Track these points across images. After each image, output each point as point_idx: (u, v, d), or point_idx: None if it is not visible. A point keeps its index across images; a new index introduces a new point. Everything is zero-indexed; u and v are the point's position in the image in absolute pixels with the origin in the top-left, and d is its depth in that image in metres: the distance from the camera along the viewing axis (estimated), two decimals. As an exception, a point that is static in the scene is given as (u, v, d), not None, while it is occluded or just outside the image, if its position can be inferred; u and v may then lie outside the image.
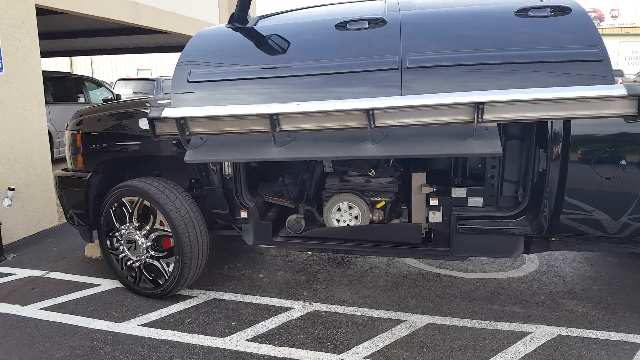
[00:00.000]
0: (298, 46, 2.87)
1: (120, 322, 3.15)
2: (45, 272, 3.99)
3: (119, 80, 14.12)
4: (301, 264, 4.11)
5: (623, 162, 2.76)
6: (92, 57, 29.45)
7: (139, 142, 3.41)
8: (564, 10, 2.67)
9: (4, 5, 4.48)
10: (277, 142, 2.58)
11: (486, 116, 2.35)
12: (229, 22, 3.14)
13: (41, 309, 3.34)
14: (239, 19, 3.06)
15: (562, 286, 3.65)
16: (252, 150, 2.64)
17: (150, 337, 2.95)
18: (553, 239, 3.13)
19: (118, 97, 10.22)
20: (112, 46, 11.62)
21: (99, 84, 10.06)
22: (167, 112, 2.66)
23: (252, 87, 2.80)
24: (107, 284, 3.72)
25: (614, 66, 35.48)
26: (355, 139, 2.51)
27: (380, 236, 3.22)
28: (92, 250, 4.28)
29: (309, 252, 4.35)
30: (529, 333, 2.97)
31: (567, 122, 2.73)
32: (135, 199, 3.35)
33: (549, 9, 2.67)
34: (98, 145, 3.50)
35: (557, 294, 3.51)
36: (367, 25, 2.81)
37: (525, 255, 4.23)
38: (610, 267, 4.04)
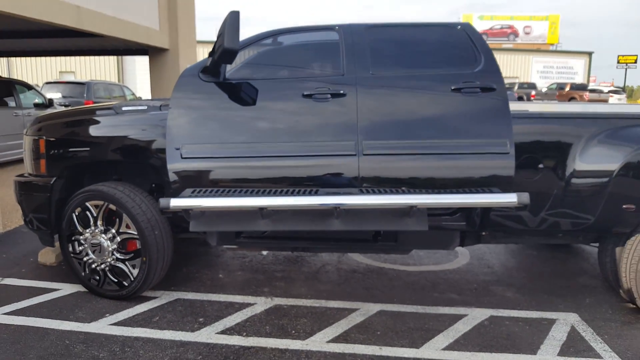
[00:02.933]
0: (271, 119, 3.21)
1: (89, 322, 3.24)
2: (-2, 279, 3.94)
3: (47, 83, 13.51)
4: (258, 264, 4.36)
5: (541, 165, 3.31)
6: (10, 58, 27.53)
7: (104, 148, 3.52)
8: (489, 89, 3.17)
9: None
10: (263, 217, 3.08)
11: (419, 206, 2.98)
12: (204, 71, 3.32)
13: (4, 314, 3.34)
14: (212, 72, 3.30)
15: (491, 275, 4.18)
16: (244, 222, 3.13)
17: (122, 335, 3.08)
18: (483, 233, 3.63)
19: (50, 101, 9.85)
20: (42, 48, 11.14)
21: (29, 87, 9.65)
22: (174, 203, 3.02)
23: (239, 163, 3.17)
24: (67, 288, 3.76)
25: (528, 79, 38.80)
26: (324, 215, 3.08)
27: (338, 234, 3.56)
28: (46, 256, 4.26)
29: (264, 253, 4.60)
30: (465, 315, 3.42)
31: None
32: (100, 203, 3.45)
33: (479, 88, 3.16)
34: (62, 151, 3.56)
35: (487, 282, 4.03)
36: (330, 97, 3.18)
37: (457, 249, 4.75)
38: (530, 258, 4.65)
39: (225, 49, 2.97)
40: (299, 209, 3.05)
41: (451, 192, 3.03)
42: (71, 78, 27.45)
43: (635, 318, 3.42)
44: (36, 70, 29.41)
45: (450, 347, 2.99)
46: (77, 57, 28.79)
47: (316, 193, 3.10)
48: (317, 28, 3.56)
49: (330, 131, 3.16)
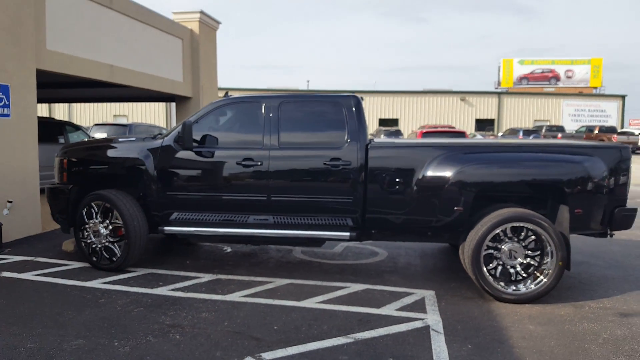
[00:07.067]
0: (218, 175, 5.01)
1: (85, 281, 4.76)
2: (33, 257, 5.56)
3: (95, 125, 15.84)
4: (219, 257, 5.80)
5: (398, 179, 4.62)
6: (72, 104, 31.17)
7: (106, 166, 5.16)
8: (347, 164, 4.70)
9: (14, 69, 6.25)
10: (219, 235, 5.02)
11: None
12: (176, 141, 5.02)
13: (33, 274, 4.93)
14: (184, 146, 4.99)
15: (391, 268, 5.41)
16: (209, 238, 5.24)
17: (105, 288, 4.57)
18: (373, 231, 4.91)
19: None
20: (92, 96, 13.40)
21: (77, 128, 11.74)
22: (167, 229, 5.07)
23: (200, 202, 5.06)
24: (76, 264, 5.32)
25: (559, 122, 39.24)
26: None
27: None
28: (68, 246, 5.87)
29: (228, 250, 6.04)
30: (348, 287, 4.69)
31: (367, 156, 4.62)
32: (100, 202, 5.03)
33: (340, 165, 4.72)
34: (78, 167, 5.23)
35: (384, 272, 5.26)
36: (253, 164, 4.87)
37: (378, 251, 6.02)
38: (434, 259, 5.83)
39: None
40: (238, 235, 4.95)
41: (316, 229, 4.81)
42: (123, 121, 30.70)
43: (476, 295, 4.56)
44: (93, 114, 33.01)
45: (322, 302, 4.28)
46: (130, 103, 32.19)
47: (247, 220, 4.89)
48: (250, 100, 5.16)
49: (253, 186, 4.92)
